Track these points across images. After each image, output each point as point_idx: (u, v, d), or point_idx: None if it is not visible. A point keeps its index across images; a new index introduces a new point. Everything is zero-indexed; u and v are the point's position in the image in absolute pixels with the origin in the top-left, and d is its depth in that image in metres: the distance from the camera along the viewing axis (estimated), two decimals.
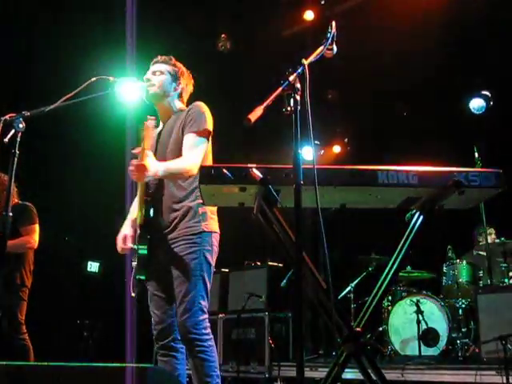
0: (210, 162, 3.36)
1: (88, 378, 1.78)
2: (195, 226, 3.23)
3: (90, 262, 8.38)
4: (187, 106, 3.52)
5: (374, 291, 2.79)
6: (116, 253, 3.48)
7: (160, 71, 3.46)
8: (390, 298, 6.32)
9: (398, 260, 2.78)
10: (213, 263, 3.30)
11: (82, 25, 6.80)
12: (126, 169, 3.03)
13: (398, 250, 2.79)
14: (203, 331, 3.15)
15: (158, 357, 3.37)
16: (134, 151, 3.02)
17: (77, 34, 6.87)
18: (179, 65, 3.55)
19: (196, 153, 3.18)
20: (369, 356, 2.65)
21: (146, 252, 3.25)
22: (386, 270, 2.80)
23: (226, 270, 7.50)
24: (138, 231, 3.28)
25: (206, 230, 3.25)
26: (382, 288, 2.77)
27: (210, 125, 3.29)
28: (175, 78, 3.49)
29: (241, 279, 7.27)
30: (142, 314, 3.54)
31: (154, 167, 3.01)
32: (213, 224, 3.32)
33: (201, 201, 3.16)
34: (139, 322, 3.52)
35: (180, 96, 3.52)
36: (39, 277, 5.36)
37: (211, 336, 3.20)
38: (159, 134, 3.47)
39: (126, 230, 3.44)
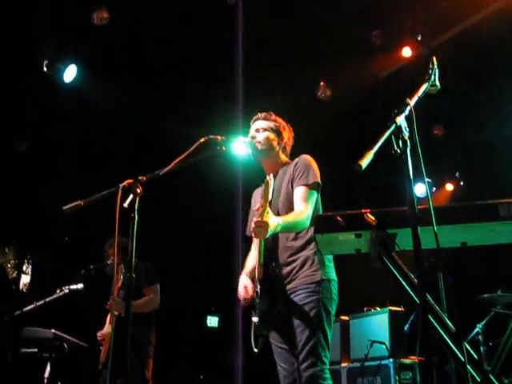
0: (320, 212, 3.38)
1: None
2: (314, 275, 3.24)
3: (209, 317, 8.52)
4: (291, 158, 3.60)
5: (507, 333, 2.63)
6: (233, 307, 3.52)
7: (263, 128, 3.56)
8: None
9: None
10: (333, 311, 3.27)
11: (194, 85, 7.12)
12: (237, 225, 3.06)
13: None
14: (321, 381, 3.08)
15: None
16: (254, 208, 3.07)
17: (187, 95, 7.21)
18: (279, 120, 3.65)
19: (308, 205, 3.23)
20: None
21: (266, 307, 3.26)
22: None
23: (346, 318, 7.34)
24: (258, 286, 3.30)
25: (324, 278, 3.25)
26: None
27: (318, 176, 3.34)
28: (278, 132, 3.58)
29: (362, 326, 7.08)
30: (268, 369, 3.49)
31: (274, 223, 3.03)
32: (331, 272, 3.32)
33: (317, 249, 3.16)
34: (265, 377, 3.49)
35: (284, 150, 3.61)
36: (161, 333, 5.50)
37: None
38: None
39: (246, 280, 3.48)
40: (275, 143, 3.56)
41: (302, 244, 3.31)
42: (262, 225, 2.99)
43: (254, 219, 3.02)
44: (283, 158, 3.60)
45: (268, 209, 3.04)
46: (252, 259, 3.64)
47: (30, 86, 6.64)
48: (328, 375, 3.12)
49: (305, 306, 3.17)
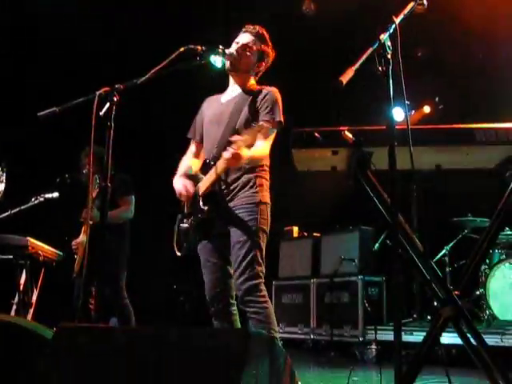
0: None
1: (190, 341, 1.85)
2: (253, 196, 3.37)
3: None
4: (257, 82, 3.63)
5: (472, 254, 2.72)
6: None
7: (250, 47, 3.51)
8: (487, 261, 6.11)
9: (497, 222, 2.68)
10: (267, 232, 3.42)
11: None
12: None
13: (496, 211, 2.69)
14: (258, 294, 3.27)
15: (213, 321, 3.50)
16: (232, 139, 3.07)
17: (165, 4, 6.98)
18: (269, 42, 3.59)
19: (268, 143, 3.37)
20: (468, 320, 2.59)
21: (200, 220, 3.41)
22: (485, 233, 2.71)
23: (318, 235, 7.52)
24: (201, 202, 3.40)
25: (262, 201, 3.39)
26: (481, 251, 2.69)
27: (282, 115, 3.40)
28: (260, 58, 3.57)
29: (333, 243, 7.27)
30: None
31: (246, 156, 3.12)
32: (267, 196, 3.46)
33: (260, 174, 3.43)
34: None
35: (257, 74, 3.64)
36: (137, 244, 5.57)
37: (267, 299, 3.32)
38: (225, 102, 3.57)
39: (184, 180, 3.55)
40: (252, 67, 3.57)
41: (248, 166, 3.39)
42: (238, 157, 3.07)
43: (232, 150, 3.04)
44: (252, 80, 3.61)
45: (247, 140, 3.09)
46: (187, 163, 3.72)
47: None
48: (263, 287, 3.32)
49: (244, 224, 3.32)
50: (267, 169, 3.52)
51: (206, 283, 3.51)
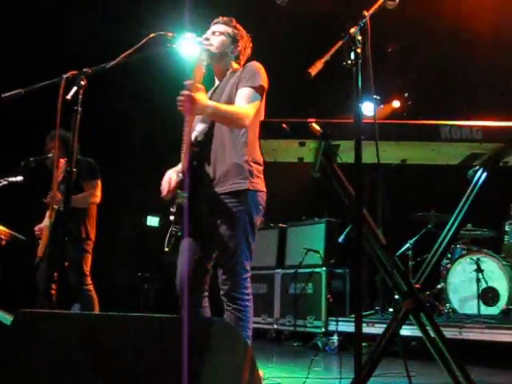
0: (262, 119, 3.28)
1: (152, 328, 1.84)
2: (241, 183, 3.15)
3: (149, 217, 8.58)
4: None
5: (434, 249, 2.77)
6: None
7: (220, 32, 3.45)
8: (449, 255, 6.23)
9: (460, 218, 2.73)
10: (257, 223, 3.23)
11: None
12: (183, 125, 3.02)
13: (459, 207, 2.75)
14: (244, 291, 3.15)
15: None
16: (186, 82, 2.97)
17: None
18: (239, 27, 3.53)
19: (249, 105, 3.12)
20: (427, 313, 2.64)
21: (184, 199, 3.16)
22: (447, 228, 2.76)
23: (284, 226, 7.55)
24: (182, 177, 3.19)
25: (251, 188, 3.16)
26: (443, 246, 2.75)
27: (264, 82, 3.24)
28: (234, 40, 3.47)
29: (298, 234, 7.31)
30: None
31: (204, 102, 2.99)
32: (259, 183, 3.23)
33: (248, 158, 3.17)
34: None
35: (237, 58, 3.51)
36: (102, 230, 5.52)
37: (250, 296, 3.19)
38: (213, 91, 3.47)
39: (171, 174, 3.35)
40: (228, 50, 3.46)
41: (233, 149, 3.20)
42: (191, 99, 2.93)
43: (183, 92, 2.94)
44: (235, 65, 3.50)
45: (200, 86, 3.02)
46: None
47: None
48: (249, 284, 3.21)
49: (230, 216, 3.13)
50: (258, 152, 3.09)
51: (178, 273, 3.28)
